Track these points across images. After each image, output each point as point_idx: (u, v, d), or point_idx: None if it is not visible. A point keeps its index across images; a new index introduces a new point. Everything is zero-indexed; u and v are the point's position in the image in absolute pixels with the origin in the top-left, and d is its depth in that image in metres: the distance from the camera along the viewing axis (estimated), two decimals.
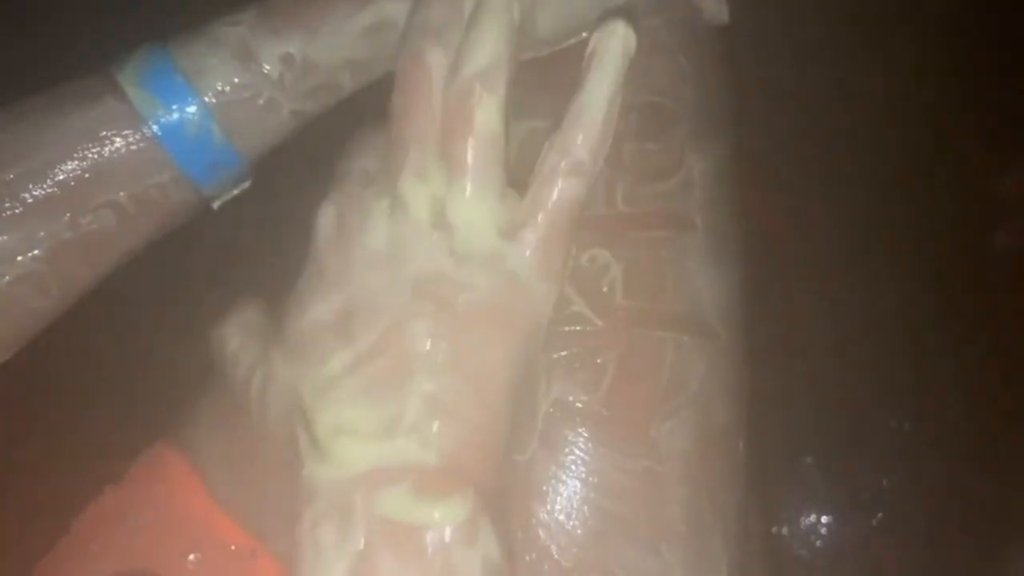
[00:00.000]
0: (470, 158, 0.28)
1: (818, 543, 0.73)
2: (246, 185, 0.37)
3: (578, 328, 0.33)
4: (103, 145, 0.33)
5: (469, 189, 0.29)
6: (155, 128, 0.33)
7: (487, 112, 0.28)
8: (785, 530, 0.73)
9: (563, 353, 0.33)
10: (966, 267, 0.77)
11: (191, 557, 0.37)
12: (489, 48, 0.29)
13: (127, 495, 0.39)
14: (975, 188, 0.78)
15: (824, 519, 0.73)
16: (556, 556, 0.31)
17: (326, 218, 0.30)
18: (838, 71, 0.77)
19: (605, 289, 0.34)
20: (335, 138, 0.36)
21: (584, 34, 0.36)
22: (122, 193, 0.33)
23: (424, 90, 0.29)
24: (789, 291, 0.77)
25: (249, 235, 0.55)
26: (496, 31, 0.29)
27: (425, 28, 0.30)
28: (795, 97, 0.75)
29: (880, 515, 0.73)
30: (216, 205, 0.37)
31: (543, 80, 0.36)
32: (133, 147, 0.33)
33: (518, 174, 0.36)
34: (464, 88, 0.29)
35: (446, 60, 0.29)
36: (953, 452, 0.73)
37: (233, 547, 0.38)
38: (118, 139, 0.33)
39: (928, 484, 0.73)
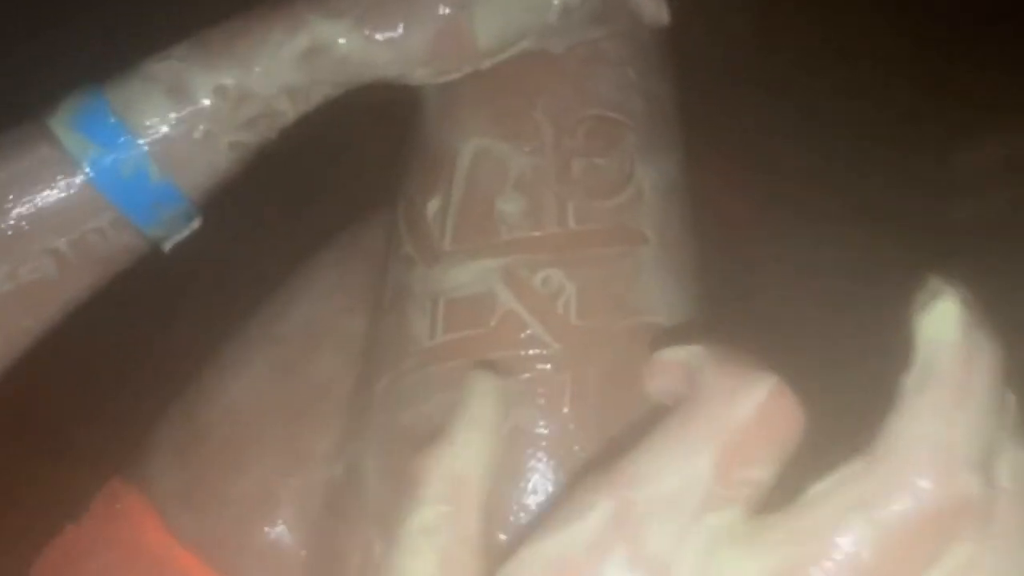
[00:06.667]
0: None
1: None
2: (196, 224, 0.36)
3: (534, 351, 0.32)
4: (37, 192, 0.32)
5: None
6: (88, 171, 0.32)
7: None
8: None
9: (521, 377, 0.32)
10: (929, 243, 0.78)
11: None
12: None
13: (87, 533, 0.39)
14: (937, 166, 0.79)
15: None
16: None
17: None
18: (803, 63, 0.77)
19: (560, 310, 0.33)
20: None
21: (524, 44, 0.35)
22: (61, 240, 0.33)
23: None
24: (765, 288, 0.77)
25: (202, 273, 0.54)
26: None
27: None
28: (767, 94, 0.75)
29: None
30: (167, 247, 0.36)
31: (486, 95, 0.36)
32: (68, 192, 0.32)
33: (469, 194, 0.35)
34: None
35: None
36: None
37: None
38: (52, 185, 0.32)
39: None
